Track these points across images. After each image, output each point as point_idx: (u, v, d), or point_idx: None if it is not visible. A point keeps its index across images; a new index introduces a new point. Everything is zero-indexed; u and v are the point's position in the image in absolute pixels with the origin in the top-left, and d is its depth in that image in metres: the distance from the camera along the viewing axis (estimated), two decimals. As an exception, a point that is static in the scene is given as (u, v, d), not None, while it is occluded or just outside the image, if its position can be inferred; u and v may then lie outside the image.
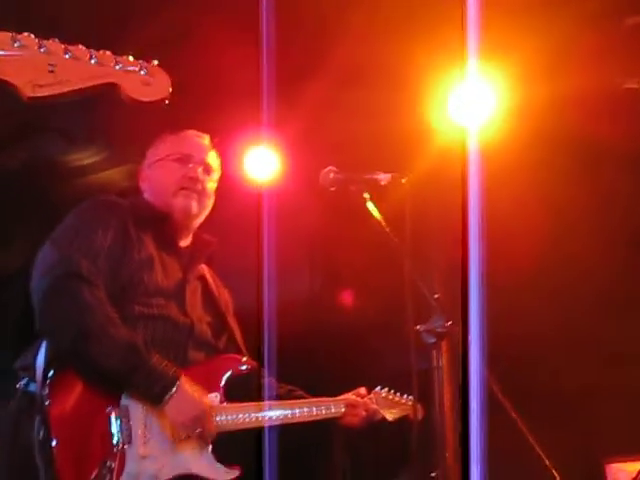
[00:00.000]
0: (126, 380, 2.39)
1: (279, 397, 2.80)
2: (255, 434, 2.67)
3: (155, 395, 2.39)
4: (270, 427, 2.69)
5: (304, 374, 2.92)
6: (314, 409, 2.75)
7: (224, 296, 2.96)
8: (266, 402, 2.71)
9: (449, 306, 2.48)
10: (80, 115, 4.99)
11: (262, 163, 4.56)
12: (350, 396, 2.89)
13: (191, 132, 2.88)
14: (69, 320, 2.38)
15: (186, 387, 2.43)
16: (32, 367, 2.40)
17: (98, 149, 5.34)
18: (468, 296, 2.36)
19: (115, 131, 4.95)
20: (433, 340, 2.48)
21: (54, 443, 2.26)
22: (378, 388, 3.00)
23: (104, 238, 2.54)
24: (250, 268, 3.77)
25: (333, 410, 2.79)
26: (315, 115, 4.11)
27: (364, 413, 2.86)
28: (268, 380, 2.87)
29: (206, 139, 2.89)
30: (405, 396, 2.98)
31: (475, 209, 2.61)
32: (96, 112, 4.93)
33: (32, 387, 2.40)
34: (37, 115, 4.95)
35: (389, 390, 3.01)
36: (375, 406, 2.90)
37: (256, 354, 2.97)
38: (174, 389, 2.39)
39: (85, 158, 5.45)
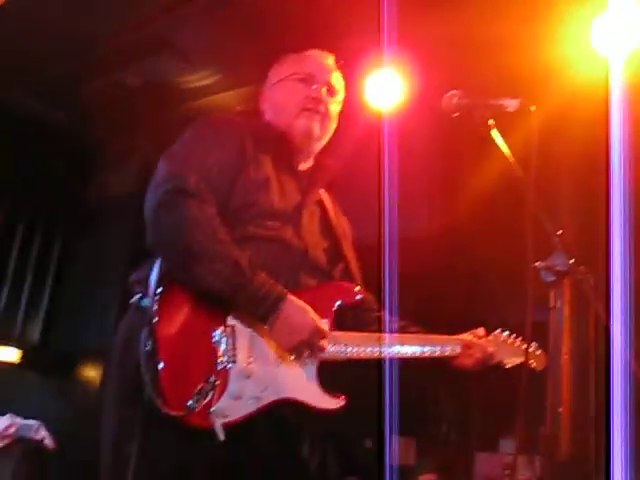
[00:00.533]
0: (230, 300, 2.43)
1: (392, 332, 2.80)
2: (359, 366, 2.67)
3: (260, 316, 2.44)
4: (391, 360, 2.70)
5: (420, 312, 2.91)
6: (428, 348, 2.77)
7: (342, 224, 3.00)
8: (379, 334, 2.71)
9: (573, 244, 2.46)
10: (197, 35, 5.15)
11: (385, 88, 4.60)
12: (467, 336, 2.88)
13: (315, 52, 2.93)
14: (175, 235, 2.43)
15: (293, 307, 2.46)
16: (146, 281, 2.46)
17: (214, 70, 5.50)
18: (610, 239, 2.30)
19: (232, 52, 5.08)
20: (552, 278, 2.45)
21: (160, 361, 2.31)
22: (498, 330, 2.97)
23: (219, 155, 2.60)
24: (369, 198, 3.84)
25: (449, 350, 2.81)
26: (441, 40, 4.09)
27: (479, 355, 2.84)
28: (385, 313, 2.88)
29: (330, 59, 2.93)
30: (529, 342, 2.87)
31: (618, 146, 2.56)
32: (213, 32, 5.08)
33: (145, 302, 2.46)
34: (152, 35, 5.15)
35: (510, 334, 2.97)
36: (492, 349, 2.88)
37: (372, 287, 3.05)
38: (279, 310, 2.43)
39: (201, 79, 5.60)
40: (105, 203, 6.40)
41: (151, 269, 2.47)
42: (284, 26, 4.71)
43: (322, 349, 2.52)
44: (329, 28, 4.41)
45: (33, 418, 5.79)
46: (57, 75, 5.53)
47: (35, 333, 6.82)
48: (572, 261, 2.39)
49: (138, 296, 2.54)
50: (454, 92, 2.77)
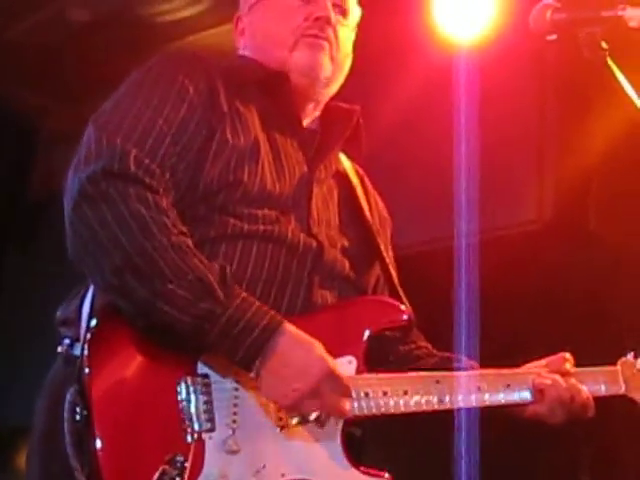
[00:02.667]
0: (197, 338, 2.31)
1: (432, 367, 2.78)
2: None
3: (241, 359, 2.31)
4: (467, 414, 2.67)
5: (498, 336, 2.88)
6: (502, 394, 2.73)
7: (377, 209, 2.96)
8: (441, 373, 2.67)
9: None
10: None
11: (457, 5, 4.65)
12: (543, 372, 2.78)
13: None
14: (105, 242, 2.32)
15: (291, 343, 2.34)
16: (76, 318, 2.46)
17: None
18: None
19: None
20: None
21: (96, 437, 2.27)
22: (630, 355, 2.92)
23: (174, 112, 2.49)
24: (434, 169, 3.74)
25: (517, 397, 2.75)
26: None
27: (556, 400, 2.73)
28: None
29: None
30: None
31: None
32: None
33: (76, 349, 2.45)
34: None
35: None
36: (587, 393, 2.77)
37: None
38: (269, 349, 2.31)
39: (180, 9, 5.59)
40: (51, 197, 6.43)
41: (82, 299, 2.44)
42: None
43: (342, 412, 2.41)
44: None
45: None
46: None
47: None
48: None
49: (67, 341, 2.49)
50: (547, 2, 2.70)
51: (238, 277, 2.45)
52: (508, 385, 2.73)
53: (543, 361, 2.82)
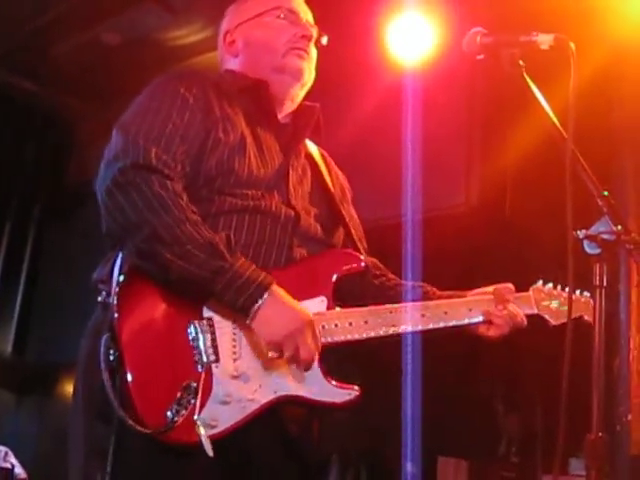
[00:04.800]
0: (206, 289, 2.43)
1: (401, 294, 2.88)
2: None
3: (240, 307, 2.43)
4: (413, 338, 2.74)
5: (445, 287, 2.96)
6: (453, 322, 2.78)
7: (339, 181, 3.07)
8: (391, 306, 2.72)
9: (622, 208, 2.38)
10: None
11: (406, 34, 4.64)
12: (488, 297, 2.87)
13: None
14: (136, 218, 2.42)
15: (278, 297, 2.46)
16: (108, 279, 2.48)
17: (205, 24, 5.47)
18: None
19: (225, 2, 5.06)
20: (597, 251, 2.37)
21: (127, 370, 2.32)
22: (539, 282, 3.00)
23: (179, 118, 2.61)
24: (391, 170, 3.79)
25: (472, 317, 2.82)
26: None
27: (500, 321, 2.82)
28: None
29: None
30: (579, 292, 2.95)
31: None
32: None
33: (111, 299, 2.45)
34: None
35: (555, 286, 2.99)
36: (520, 312, 2.86)
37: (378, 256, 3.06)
38: (262, 300, 2.42)
39: (190, 35, 5.60)
40: (85, 187, 6.42)
41: (113, 263, 2.49)
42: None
43: (307, 358, 2.47)
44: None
45: (3, 444, 5.83)
46: (20, 36, 5.56)
47: (6, 344, 6.87)
48: (619, 227, 2.32)
49: (104, 294, 2.54)
50: (476, 29, 2.73)
51: (236, 242, 2.59)
52: (470, 309, 2.85)
53: (490, 288, 2.93)
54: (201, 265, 2.41)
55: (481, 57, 2.72)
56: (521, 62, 2.62)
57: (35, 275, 6.95)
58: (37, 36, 5.50)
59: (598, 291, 2.36)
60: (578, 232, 2.37)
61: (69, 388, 6.41)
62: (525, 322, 2.90)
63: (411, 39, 4.62)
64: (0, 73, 6.00)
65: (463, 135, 4.87)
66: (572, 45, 2.56)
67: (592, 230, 2.38)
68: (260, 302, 2.43)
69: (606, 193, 2.40)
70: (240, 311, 2.45)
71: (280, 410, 2.55)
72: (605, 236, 2.35)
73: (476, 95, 4.63)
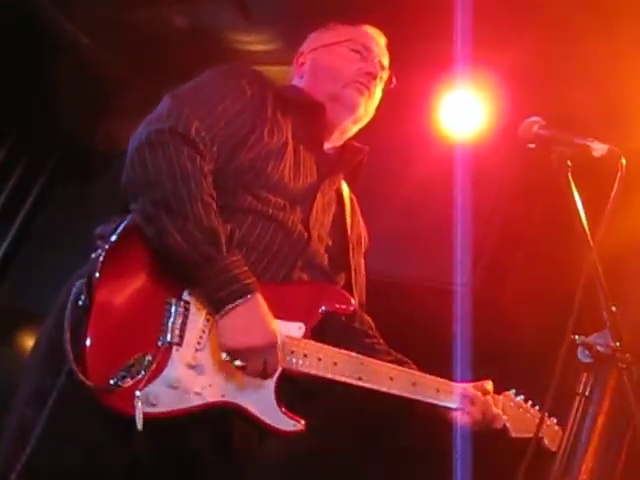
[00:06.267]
0: (192, 271, 2.41)
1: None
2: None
3: (217, 299, 2.42)
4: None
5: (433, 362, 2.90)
6: (420, 395, 2.72)
7: (358, 229, 3.06)
8: (364, 357, 2.67)
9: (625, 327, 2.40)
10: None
11: (458, 110, 4.83)
12: (469, 388, 2.85)
13: (369, 27, 3.04)
14: (153, 177, 2.43)
15: (255, 306, 2.43)
16: (109, 234, 2.47)
17: (275, 35, 5.45)
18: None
19: (301, 18, 5.07)
20: (588, 360, 2.39)
21: (91, 320, 2.31)
22: (512, 391, 2.96)
23: (232, 105, 2.63)
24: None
25: (442, 400, 2.77)
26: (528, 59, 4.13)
27: (480, 416, 2.80)
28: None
29: (384, 40, 3.04)
30: (549, 418, 2.90)
31: None
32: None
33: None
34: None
35: (526, 400, 2.95)
36: (498, 411, 2.84)
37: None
38: (240, 301, 2.40)
39: (257, 43, 5.55)
40: (107, 155, 6.42)
41: (119, 223, 2.50)
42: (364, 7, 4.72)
43: (271, 367, 2.47)
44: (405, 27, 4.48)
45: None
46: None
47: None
48: (618, 344, 2.33)
49: (99, 251, 2.50)
50: (536, 119, 2.76)
51: (241, 241, 2.59)
52: (437, 390, 2.79)
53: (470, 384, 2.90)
54: (195, 246, 2.39)
55: (532, 146, 2.76)
56: (569, 162, 2.65)
57: (34, 219, 6.89)
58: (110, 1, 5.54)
59: (578, 399, 2.37)
60: (576, 337, 2.39)
61: (30, 342, 6.33)
62: (501, 420, 2.85)
63: (462, 115, 4.78)
64: (70, 26, 5.96)
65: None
66: (623, 160, 2.58)
67: (590, 339, 2.40)
68: (237, 302, 2.41)
69: (614, 308, 2.42)
70: (215, 303, 2.43)
71: (230, 423, 2.54)
72: (601, 348, 2.37)
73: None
